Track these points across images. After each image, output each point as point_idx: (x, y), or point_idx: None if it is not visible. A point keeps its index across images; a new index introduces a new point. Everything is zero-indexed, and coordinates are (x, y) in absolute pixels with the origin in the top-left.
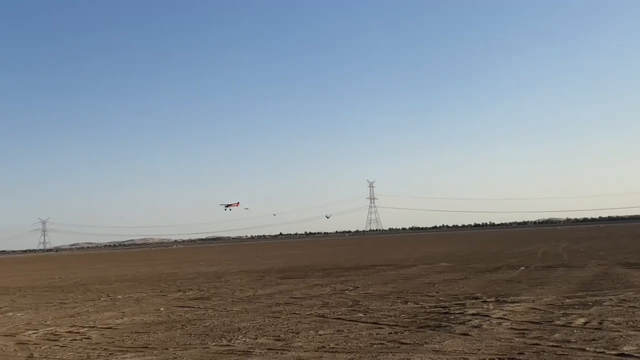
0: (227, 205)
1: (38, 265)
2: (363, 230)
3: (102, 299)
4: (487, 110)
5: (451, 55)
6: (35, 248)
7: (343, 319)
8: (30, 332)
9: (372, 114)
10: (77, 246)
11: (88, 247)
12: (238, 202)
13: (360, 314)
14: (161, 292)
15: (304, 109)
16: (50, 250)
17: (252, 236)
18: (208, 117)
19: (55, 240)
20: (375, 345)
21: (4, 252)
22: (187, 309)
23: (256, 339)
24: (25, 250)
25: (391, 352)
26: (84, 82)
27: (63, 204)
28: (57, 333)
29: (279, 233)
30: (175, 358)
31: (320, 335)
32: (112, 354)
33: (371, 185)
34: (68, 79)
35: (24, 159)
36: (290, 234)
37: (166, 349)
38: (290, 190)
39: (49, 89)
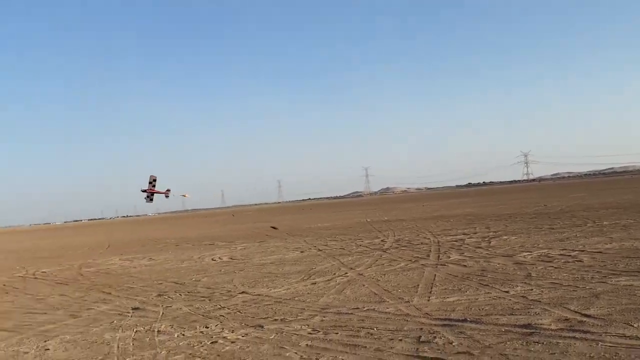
0: (146, 192)
1: (522, 195)
2: None
3: (588, 224)
4: None
5: None
6: (519, 179)
7: None
8: (525, 253)
9: None
10: (558, 176)
11: (568, 176)
12: (168, 190)
13: None
14: None
15: None
16: (533, 180)
17: None
18: None
19: (538, 171)
20: None
21: (492, 182)
22: None
23: None
24: (511, 181)
25: None
26: None
27: (545, 137)
28: (549, 255)
29: None
30: None
31: None
32: (605, 276)
33: None
34: None
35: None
36: None
37: None
38: None
39: None
